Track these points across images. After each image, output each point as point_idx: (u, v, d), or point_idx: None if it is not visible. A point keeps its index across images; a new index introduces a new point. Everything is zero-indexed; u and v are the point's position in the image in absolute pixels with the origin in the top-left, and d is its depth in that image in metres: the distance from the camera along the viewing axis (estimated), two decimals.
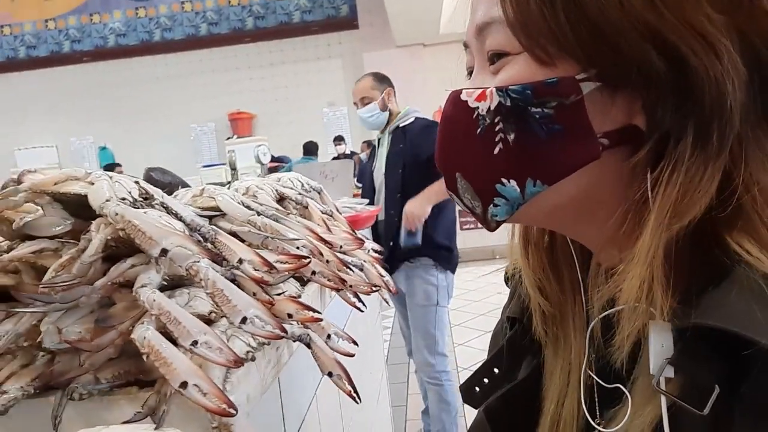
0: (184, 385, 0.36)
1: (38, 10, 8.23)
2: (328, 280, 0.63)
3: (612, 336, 0.45)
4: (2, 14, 8.26)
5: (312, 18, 8.12)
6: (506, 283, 0.64)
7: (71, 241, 0.47)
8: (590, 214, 0.46)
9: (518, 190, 0.44)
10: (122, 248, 0.46)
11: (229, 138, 7.91)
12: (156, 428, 0.34)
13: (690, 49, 0.39)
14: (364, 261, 0.84)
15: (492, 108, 0.44)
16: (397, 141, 2.37)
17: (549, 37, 0.41)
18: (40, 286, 0.38)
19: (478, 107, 0.44)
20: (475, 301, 4.81)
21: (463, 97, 0.46)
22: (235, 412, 0.36)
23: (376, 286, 0.76)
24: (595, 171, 0.43)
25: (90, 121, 8.34)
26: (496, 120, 0.43)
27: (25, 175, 0.54)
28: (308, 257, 0.58)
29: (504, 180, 0.44)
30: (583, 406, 0.49)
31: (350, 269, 0.74)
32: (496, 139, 0.44)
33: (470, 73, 0.51)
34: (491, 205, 0.46)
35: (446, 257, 2.33)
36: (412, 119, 2.39)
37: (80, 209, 0.47)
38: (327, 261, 0.68)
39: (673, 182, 0.39)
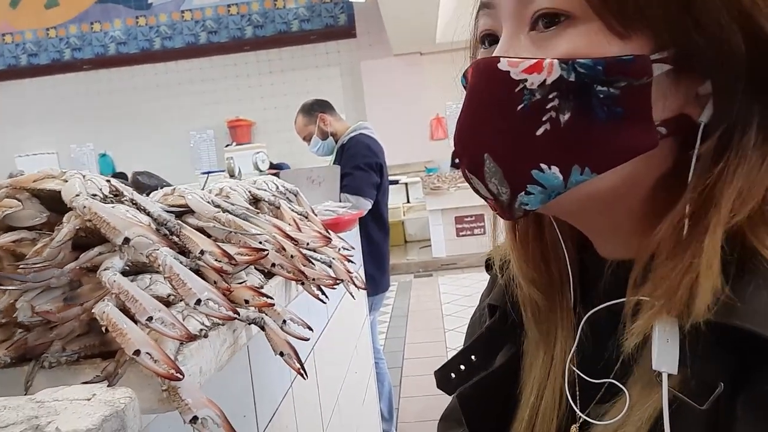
0: (137, 353, 0.42)
1: (39, 19, 8.33)
2: (288, 272, 0.69)
3: (605, 330, 0.45)
4: (3, 23, 8.36)
5: (310, 27, 8.21)
6: (487, 270, 0.63)
7: (47, 232, 0.53)
8: (616, 204, 0.43)
9: (561, 177, 0.39)
10: (92, 238, 0.52)
11: (228, 145, 7.98)
12: (108, 386, 0.40)
13: None
14: (333, 258, 0.90)
15: (549, 82, 0.38)
16: (338, 157, 2.48)
17: (632, 4, 0.37)
18: (19, 267, 0.44)
19: (525, 80, 0.39)
20: (469, 306, 4.85)
21: (503, 66, 0.39)
22: (181, 377, 0.42)
23: (339, 279, 0.82)
24: (643, 160, 0.39)
25: (90, 128, 8.43)
26: (550, 96, 0.38)
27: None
28: (266, 250, 0.63)
29: (543, 165, 0.39)
30: (569, 399, 0.48)
31: (313, 264, 0.80)
32: (544, 119, 0.38)
33: (484, 39, 0.45)
34: (523, 193, 0.41)
35: (371, 286, 2.42)
36: (354, 134, 2.46)
37: (55, 204, 0.53)
38: (291, 256, 0.74)
39: (738, 174, 0.37)
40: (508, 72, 0.39)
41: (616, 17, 0.37)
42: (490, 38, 0.44)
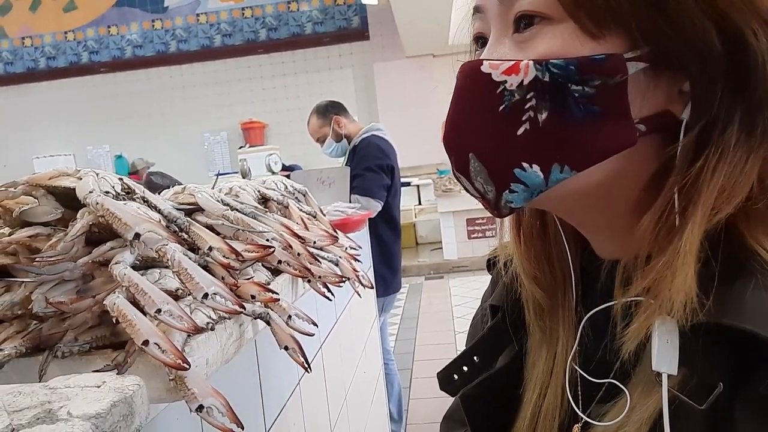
0: (146, 343, 0.43)
1: (57, 23, 8.45)
2: (294, 269, 0.71)
3: (605, 331, 0.45)
4: (23, 27, 8.50)
5: (324, 29, 8.25)
6: (488, 270, 0.63)
7: (62, 228, 0.55)
8: (606, 203, 0.44)
9: (542, 176, 0.40)
10: (105, 234, 0.54)
11: (241, 147, 8.05)
12: (117, 374, 0.42)
13: (752, 32, 0.37)
14: (340, 257, 0.91)
15: (525, 83, 0.39)
16: (350, 158, 2.49)
17: (602, 5, 0.37)
18: (35, 260, 0.46)
19: (505, 81, 0.40)
20: None
21: (485, 69, 0.41)
22: (187, 366, 0.44)
23: (345, 277, 0.83)
24: (624, 158, 0.40)
25: (106, 130, 8.53)
26: (528, 96, 0.39)
27: None
28: (272, 247, 0.65)
29: (525, 164, 0.40)
30: (570, 398, 0.48)
31: (320, 262, 0.81)
32: (523, 118, 0.40)
33: (477, 41, 0.47)
34: (507, 191, 0.42)
35: (382, 287, 2.42)
36: (365, 135, 2.47)
37: (70, 201, 0.55)
38: (298, 254, 0.76)
39: (719, 171, 0.37)
40: (490, 74, 0.41)
41: (588, 18, 0.38)
42: (481, 41, 0.46)
